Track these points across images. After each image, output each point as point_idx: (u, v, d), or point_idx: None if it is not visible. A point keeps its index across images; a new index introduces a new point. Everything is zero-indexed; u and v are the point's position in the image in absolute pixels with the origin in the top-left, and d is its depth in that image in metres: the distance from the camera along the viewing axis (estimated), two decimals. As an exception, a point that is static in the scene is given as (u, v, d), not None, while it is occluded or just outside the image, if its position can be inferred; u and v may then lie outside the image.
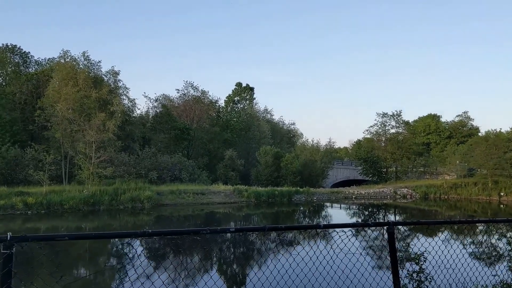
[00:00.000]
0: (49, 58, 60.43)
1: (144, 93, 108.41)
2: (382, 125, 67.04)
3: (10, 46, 60.47)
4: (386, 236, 4.44)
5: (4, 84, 57.08)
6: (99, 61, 54.48)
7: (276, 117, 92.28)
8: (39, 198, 35.49)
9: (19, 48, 61.17)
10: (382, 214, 44.19)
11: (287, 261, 4.61)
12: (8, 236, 2.66)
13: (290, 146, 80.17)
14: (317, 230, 4.19)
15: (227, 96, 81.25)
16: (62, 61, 51.35)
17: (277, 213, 42.46)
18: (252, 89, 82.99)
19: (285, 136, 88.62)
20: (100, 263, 19.17)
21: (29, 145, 44.87)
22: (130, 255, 18.55)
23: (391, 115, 66.58)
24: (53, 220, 33.47)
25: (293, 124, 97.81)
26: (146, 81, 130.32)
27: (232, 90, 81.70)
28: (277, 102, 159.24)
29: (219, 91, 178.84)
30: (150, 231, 3.14)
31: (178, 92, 71.86)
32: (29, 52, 62.02)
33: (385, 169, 66.05)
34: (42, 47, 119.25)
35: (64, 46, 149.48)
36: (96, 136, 41.45)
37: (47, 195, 36.46)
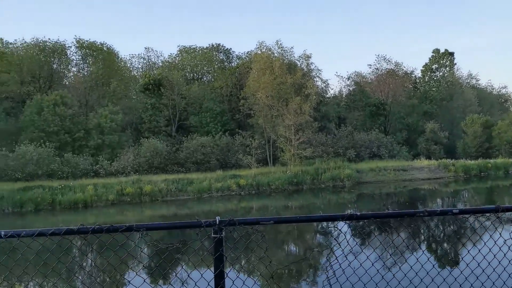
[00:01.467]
0: (248, 51, 65.48)
1: (336, 72, 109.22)
2: None
3: (215, 45, 67.59)
4: None
5: (212, 80, 64.13)
6: (292, 47, 56.90)
7: (482, 82, 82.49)
8: (249, 180, 38.87)
9: (222, 46, 67.96)
10: None
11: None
12: (217, 220, 2.70)
13: (502, 113, 70.79)
14: None
15: (424, 65, 75.57)
16: (259, 52, 54.92)
17: (491, 188, 38.02)
18: (452, 54, 75.42)
19: (495, 102, 78.54)
20: (310, 245, 19.81)
21: (237, 133, 49.67)
22: (336, 235, 18.79)
23: None
24: (262, 200, 36.29)
25: (505, 87, 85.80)
26: (337, 60, 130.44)
27: (429, 58, 75.61)
28: (483, 66, 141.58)
29: (414, 61, 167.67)
30: (358, 214, 2.87)
31: (370, 67, 70.15)
32: (230, 48, 68.50)
33: None
34: (241, 42, 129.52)
35: (259, 37, 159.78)
36: (294, 119, 43.33)
37: (256, 177, 39.69)
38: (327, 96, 61.35)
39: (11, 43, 56.04)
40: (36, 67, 54.08)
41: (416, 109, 63.90)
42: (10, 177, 37.07)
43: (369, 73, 70.12)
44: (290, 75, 49.39)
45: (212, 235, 2.71)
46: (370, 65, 71.49)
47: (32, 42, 55.40)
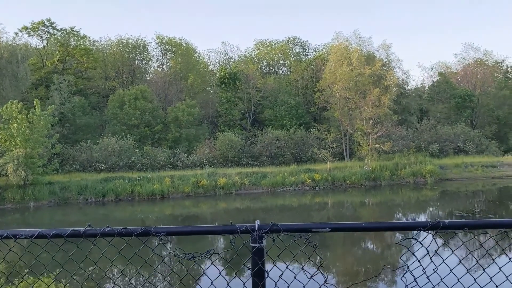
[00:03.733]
0: (325, 43, 64.07)
1: (418, 63, 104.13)
2: None
3: (291, 38, 66.87)
4: None
5: (288, 72, 63.47)
6: (370, 37, 54.70)
7: None
8: (324, 175, 37.86)
9: (299, 38, 67.12)
10: None
11: None
12: (256, 225, 2.09)
13: None
14: None
15: (518, 53, 69.55)
16: (336, 43, 53.32)
17: None
18: (551, 39, 68.62)
19: None
20: (376, 256, 18.38)
21: (312, 126, 48.58)
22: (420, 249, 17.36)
23: None
24: (338, 195, 35.17)
25: None
26: (419, 50, 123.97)
27: (524, 45, 69.44)
28: None
29: (506, 49, 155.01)
30: (446, 221, 2.13)
31: (456, 57, 65.98)
32: (307, 41, 67.43)
33: None
34: (319, 34, 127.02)
35: (336, 28, 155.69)
36: (372, 112, 41.68)
37: (331, 171, 38.59)
38: (408, 87, 58.37)
39: (97, 41, 59.21)
40: (119, 63, 56.73)
41: (507, 101, 58.82)
42: (94, 168, 39.09)
43: (455, 63, 66.58)
44: (368, 66, 47.48)
45: (250, 244, 2.10)
46: (456, 54, 67.30)
47: (116, 40, 58.16)
